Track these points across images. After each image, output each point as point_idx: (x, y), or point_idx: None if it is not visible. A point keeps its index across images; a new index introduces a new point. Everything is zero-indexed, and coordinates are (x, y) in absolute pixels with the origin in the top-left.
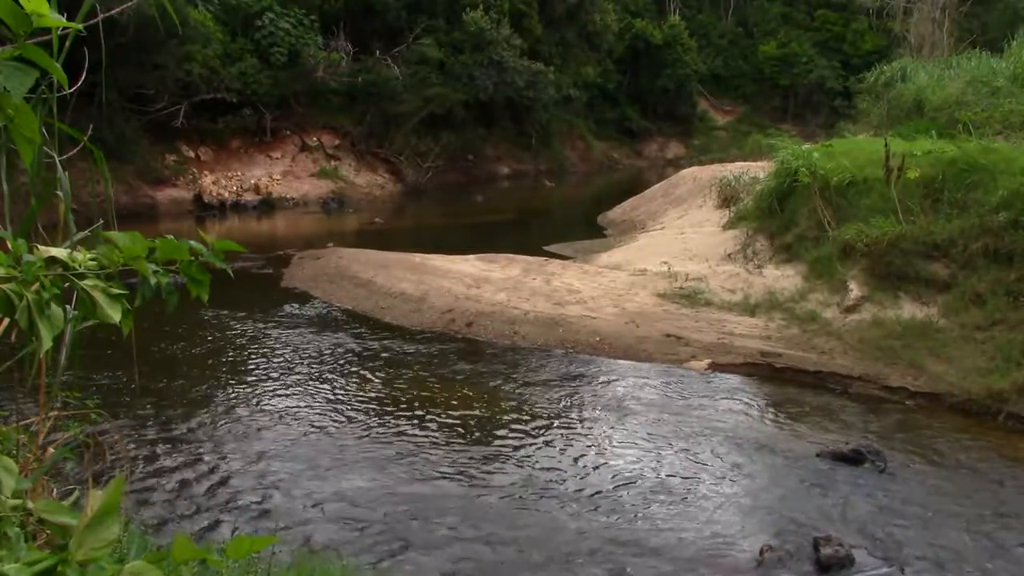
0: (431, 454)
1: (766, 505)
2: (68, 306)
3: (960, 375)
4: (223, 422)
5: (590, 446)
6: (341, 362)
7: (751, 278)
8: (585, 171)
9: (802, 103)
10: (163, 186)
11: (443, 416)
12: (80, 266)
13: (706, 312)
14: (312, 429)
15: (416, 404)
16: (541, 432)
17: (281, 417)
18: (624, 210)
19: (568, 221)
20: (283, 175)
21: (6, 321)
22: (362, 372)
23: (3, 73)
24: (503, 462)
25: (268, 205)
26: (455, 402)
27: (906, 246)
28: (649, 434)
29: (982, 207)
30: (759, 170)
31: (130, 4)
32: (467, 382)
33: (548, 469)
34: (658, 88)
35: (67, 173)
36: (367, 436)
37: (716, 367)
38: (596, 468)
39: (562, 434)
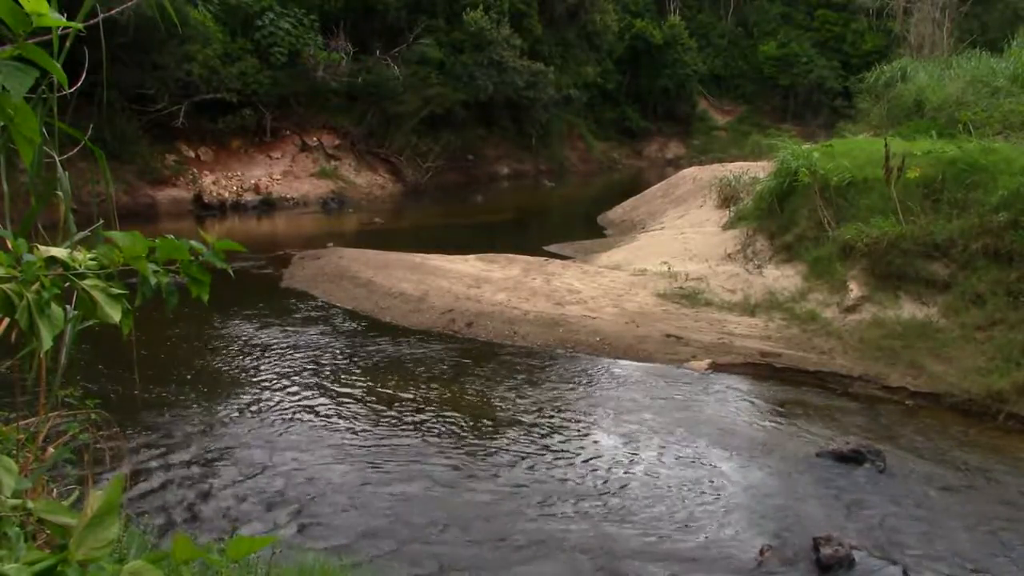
0: (431, 454)
1: (766, 505)
2: (68, 306)
3: (960, 375)
4: (223, 422)
5: (589, 446)
6: (341, 362)
7: (751, 278)
8: (585, 171)
9: (802, 103)
10: (163, 186)
11: (443, 416)
12: (80, 266)
13: (706, 312)
14: (311, 429)
15: (416, 404)
16: (540, 432)
17: (280, 417)
18: (624, 210)
19: (568, 221)
20: (283, 175)
21: (6, 321)
22: (361, 372)
23: (3, 73)
24: (503, 462)
25: (268, 205)
26: (455, 402)
27: (906, 246)
28: (648, 434)
29: (982, 207)
30: (759, 170)
31: (130, 4)
32: (467, 382)
33: (547, 469)
34: (658, 88)
35: (67, 173)
36: (366, 436)
37: (716, 367)
38: (595, 468)
39: (562, 434)
